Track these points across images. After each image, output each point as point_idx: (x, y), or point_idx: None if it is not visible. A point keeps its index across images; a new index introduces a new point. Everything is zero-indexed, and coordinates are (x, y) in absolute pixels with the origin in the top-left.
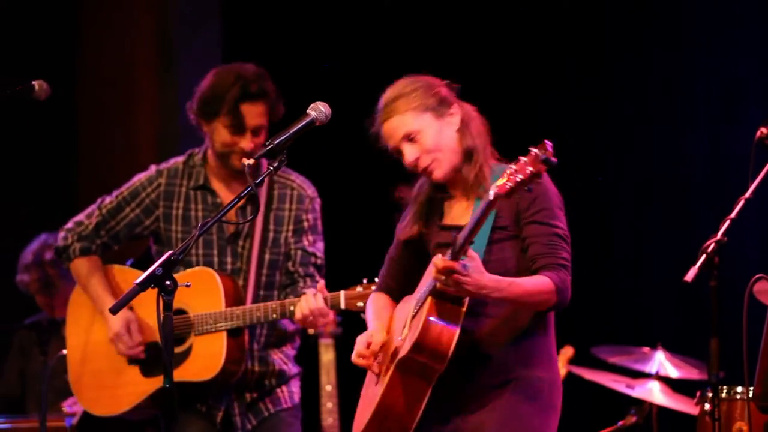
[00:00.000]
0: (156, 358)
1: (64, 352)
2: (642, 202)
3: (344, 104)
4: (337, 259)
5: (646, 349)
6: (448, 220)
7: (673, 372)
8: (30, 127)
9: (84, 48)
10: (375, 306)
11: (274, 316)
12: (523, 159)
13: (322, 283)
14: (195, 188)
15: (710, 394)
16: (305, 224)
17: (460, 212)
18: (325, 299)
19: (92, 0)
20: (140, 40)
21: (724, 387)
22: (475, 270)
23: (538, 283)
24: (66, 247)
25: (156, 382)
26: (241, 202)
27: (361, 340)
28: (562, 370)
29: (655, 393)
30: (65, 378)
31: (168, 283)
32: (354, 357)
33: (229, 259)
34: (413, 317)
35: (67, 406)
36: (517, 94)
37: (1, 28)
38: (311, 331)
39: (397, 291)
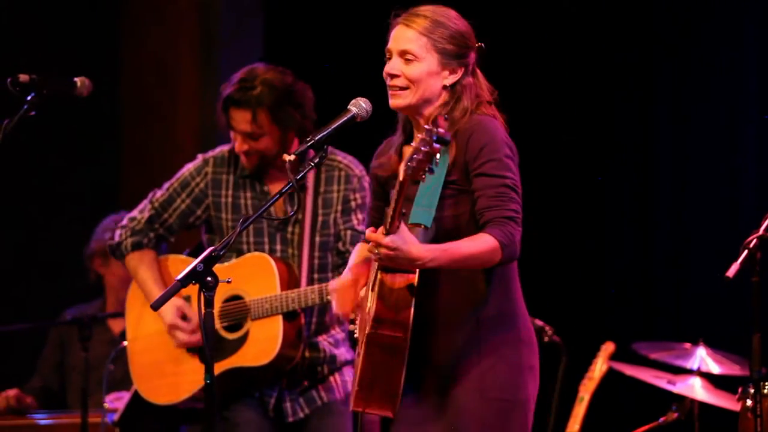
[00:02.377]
0: (215, 344)
1: (125, 343)
2: (684, 196)
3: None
4: None
5: (688, 345)
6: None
7: (715, 368)
8: (73, 122)
9: (127, 43)
10: (359, 254)
11: (329, 297)
12: (419, 136)
13: None
14: (243, 176)
15: (752, 391)
16: (353, 203)
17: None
18: None
19: None
20: (183, 35)
21: (767, 383)
22: (403, 242)
23: (478, 243)
24: (119, 244)
25: (216, 369)
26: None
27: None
28: (604, 365)
29: (696, 389)
30: (102, 371)
31: (209, 279)
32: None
33: (279, 246)
34: (373, 289)
35: (108, 402)
36: (563, 90)
37: (45, 23)
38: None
39: None
